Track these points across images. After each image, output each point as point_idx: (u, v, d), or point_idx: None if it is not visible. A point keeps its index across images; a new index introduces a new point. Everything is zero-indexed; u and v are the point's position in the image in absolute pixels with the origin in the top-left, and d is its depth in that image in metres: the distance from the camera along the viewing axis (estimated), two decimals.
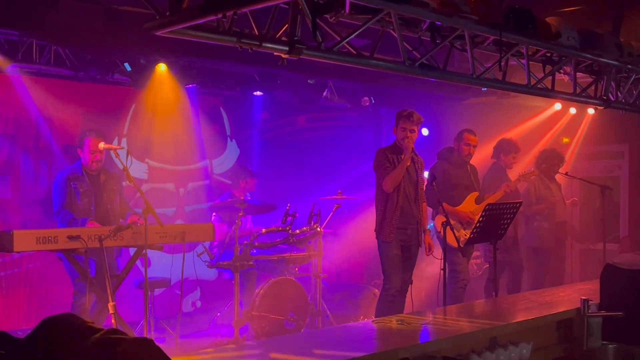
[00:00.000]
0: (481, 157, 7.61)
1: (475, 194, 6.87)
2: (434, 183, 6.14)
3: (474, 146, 6.86)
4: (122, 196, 6.29)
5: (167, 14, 3.25)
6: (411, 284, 6.12)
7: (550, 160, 7.93)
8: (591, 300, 3.98)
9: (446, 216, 5.84)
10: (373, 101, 9.44)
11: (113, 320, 5.08)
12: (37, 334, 1.66)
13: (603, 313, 3.98)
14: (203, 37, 3.41)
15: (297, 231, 6.84)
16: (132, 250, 5.82)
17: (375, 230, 6.12)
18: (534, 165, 7.99)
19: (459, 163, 6.84)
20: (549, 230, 7.81)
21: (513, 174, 7.43)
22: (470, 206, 6.77)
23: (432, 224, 6.87)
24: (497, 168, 7.53)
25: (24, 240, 4.94)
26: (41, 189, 7.21)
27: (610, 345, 3.97)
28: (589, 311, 3.92)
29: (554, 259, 7.94)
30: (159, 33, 3.33)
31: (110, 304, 5.11)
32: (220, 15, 3.22)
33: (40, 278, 7.10)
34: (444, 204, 6.22)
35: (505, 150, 7.49)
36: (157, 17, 3.28)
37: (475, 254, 7.82)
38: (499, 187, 6.97)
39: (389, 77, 7.74)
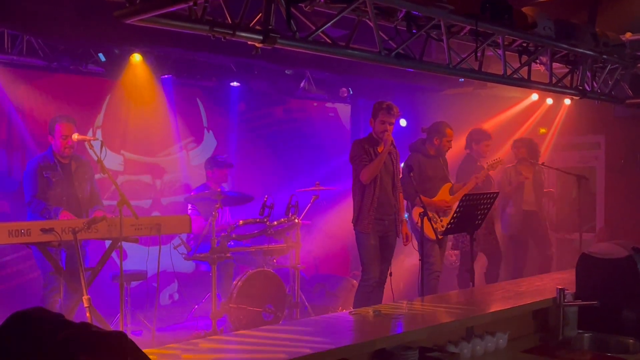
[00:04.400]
0: (457, 148, 7.61)
1: (449, 184, 6.90)
2: (411, 174, 6.13)
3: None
4: (94, 185, 6.18)
5: (138, 1, 3.19)
6: (391, 275, 6.11)
7: (532, 148, 7.96)
8: (567, 290, 4.00)
9: (424, 207, 5.83)
10: (351, 92, 9.40)
11: (88, 314, 5.01)
12: (6, 328, 1.61)
13: (579, 302, 4.00)
14: (175, 26, 3.35)
15: (275, 223, 6.81)
16: (107, 243, 5.75)
17: (352, 222, 6.10)
18: (513, 154, 8.00)
19: (434, 155, 6.84)
20: (518, 217, 7.85)
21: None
22: (445, 197, 6.79)
23: (407, 215, 6.86)
24: (469, 160, 7.56)
25: None
26: (14, 182, 7.09)
27: (586, 334, 4.00)
28: (565, 300, 3.93)
29: (535, 248, 7.97)
30: (129, 21, 3.26)
31: (85, 298, 5.04)
32: (191, 3, 3.16)
33: (12, 272, 6.99)
34: (421, 196, 6.20)
35: (476, 139, 7.52)
36: (127, 5, 3.22)
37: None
38: (469, 179, 6.99)
39: (366, 68, 7.70)
